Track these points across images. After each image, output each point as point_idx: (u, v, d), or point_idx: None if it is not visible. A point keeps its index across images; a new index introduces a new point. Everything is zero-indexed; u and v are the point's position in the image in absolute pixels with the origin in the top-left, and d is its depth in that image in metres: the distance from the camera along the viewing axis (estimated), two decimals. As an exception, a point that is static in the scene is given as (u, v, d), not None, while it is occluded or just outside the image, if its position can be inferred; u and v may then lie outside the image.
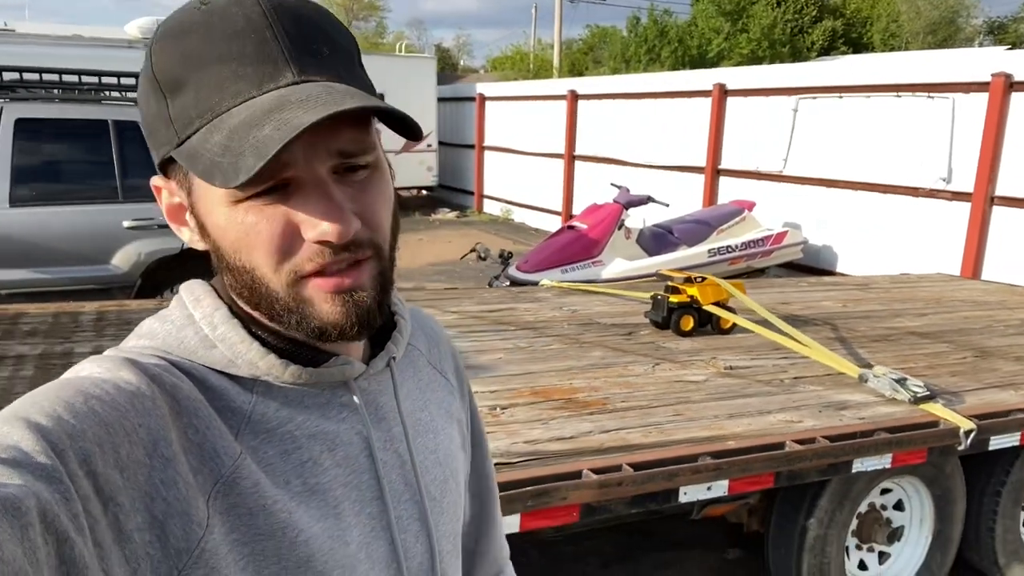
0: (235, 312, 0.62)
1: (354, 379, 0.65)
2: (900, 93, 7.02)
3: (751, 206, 7.46)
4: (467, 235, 11.68)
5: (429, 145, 14.26)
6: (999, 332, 3.83)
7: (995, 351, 3.45)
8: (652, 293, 3.67)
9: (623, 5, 34.92)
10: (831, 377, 2.91)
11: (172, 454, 0.52)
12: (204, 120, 0.55)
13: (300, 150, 0.54)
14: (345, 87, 0.56)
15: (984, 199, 6.32)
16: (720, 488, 2.13)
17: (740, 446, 2.17)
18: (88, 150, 4.59)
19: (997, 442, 2.60)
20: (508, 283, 6.05)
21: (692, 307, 3.52)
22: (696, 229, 7.01)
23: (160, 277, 4.60)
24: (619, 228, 6.51)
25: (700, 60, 19.09)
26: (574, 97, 11.65)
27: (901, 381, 2.68)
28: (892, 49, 21.79)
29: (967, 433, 2.46)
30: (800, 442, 2.23)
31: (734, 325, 3.56)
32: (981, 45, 23.18)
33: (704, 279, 3.64)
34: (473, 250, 7.10)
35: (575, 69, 24.34)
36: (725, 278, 3.92)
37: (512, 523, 1.89)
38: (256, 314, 0.61)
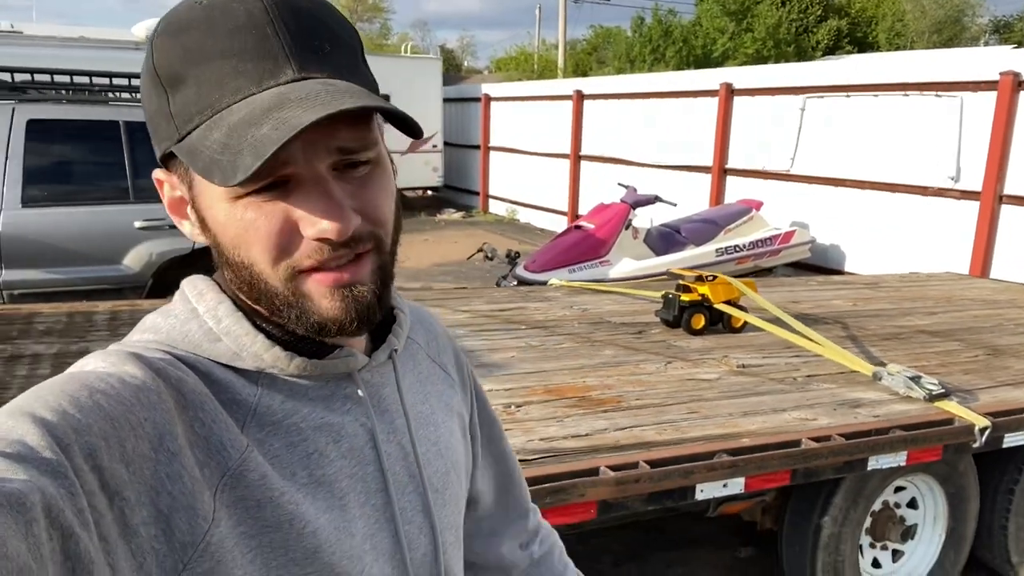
0: (239, 305, 0.62)
1: (357, 371, 0.65)
2: (908, 92, 7.01)
3: (759, 205, 7.46)
4: (473, 235, 11.69)
5: (435, 146, 14.27)
6: (1010, 330, 3.82)
7: (1007, 349, 3.45)
8: (663, 292, 3.67)
9: (627, 5, 34.95)
10: (844, 375, 2.91)
11: (178, 448, 0.52)
12: (204, 116, 0.55)
13: (299, 148, 0.54)
14: (346, 84, 0.56)
15: (993, 198, 6.31)
16: (736, 485, 2.13)
17: (756, 443, 2.17)
18: (99, 151, 4.61)
19: (1011, 439, 2.60)
20: (515, 283, 6.06)
21: (703, 305, 3.52)
22: (704, 228, 7.01)
23: (171, 277, 4.61)
24: (626, 228, 6.52)
25: (705, 60, 19.06)
26: (580, 97, 11.65)
27: (915, 379, 2.68)
28: (897, 48, 21.74)
29: (982, 431, 2.46)
30: (816, 439, 2.23)
31: (745, 323, 3.56)
32: (987, 44, 23.11)
33: (715, 278, 3.64)
34: (480, 250, 7.12)
35: (579, 69, 24.33)
36: (734, 277, 3.92)
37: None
38: (258, 308, 0.62)
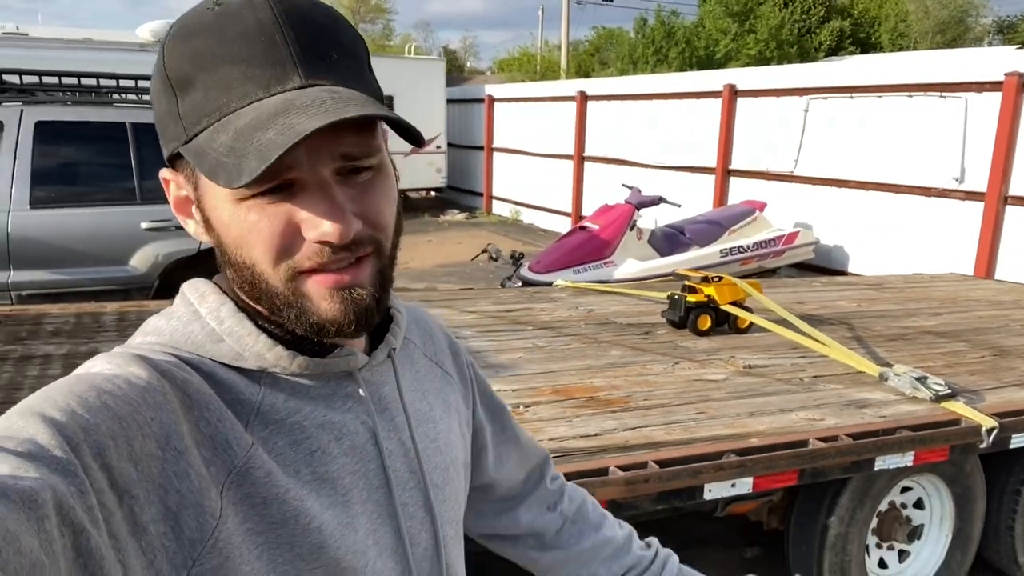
0: (240, 307, 0.63)
1: (357, 370, 0.67)
2: (912, 93, 7.01)
3: (762, 206, 7.46)
4: (476, 236, 11.70)
5: (438, 147, 14.29)
6: (1016, 331, 3.83)
7: (1013, 350, 3.45)
8: (669, 293, 3.68)
9: (630, 7, 34.94)
10: (850, 376, 2.92)
11: (184, 447, 0.53)
12: (212, 119, 0.56)
13: (304, 153, 0.55)
14: (350, 92, 0.57)
15: (997, 199, 6.31)
16: (744, 485, 2.14)
17: (764, 443, 2.18)
18: (106, 152, 4.63)
19: (1018, 440, 2.60)
20: (520, 284, 6.07)
21: (709, 306, 3.53)
22: (708, 229, 7.02)
23: (177, 278, 4.53)
24: (631, 229, 6.53)
25: (707, 61, 19.07)
26: (583, 98, 11.66)
27: (922, 379, 2.68)
28: (900, 49, 21.71)
29: (989, 431, 2.47)
30: (823, 440, 2.24)
31: (751, 324, 3.57)
32: (990, 44, 23.07)
33: (721, 279, 3.65)
34: (484, 251, 7.13)
35: (581, 70, 24.35)
36: (738, 278, 3.92)
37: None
38: (259, 308, 0.63)
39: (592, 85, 12.10)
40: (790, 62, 18.34)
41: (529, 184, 13.27)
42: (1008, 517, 2.91)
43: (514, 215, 13.75)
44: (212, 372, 0.59)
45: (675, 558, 0.98)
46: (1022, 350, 3.45)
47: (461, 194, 15.61)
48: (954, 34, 23.79)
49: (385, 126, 0.61)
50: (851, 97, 7.57)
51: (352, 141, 0.57)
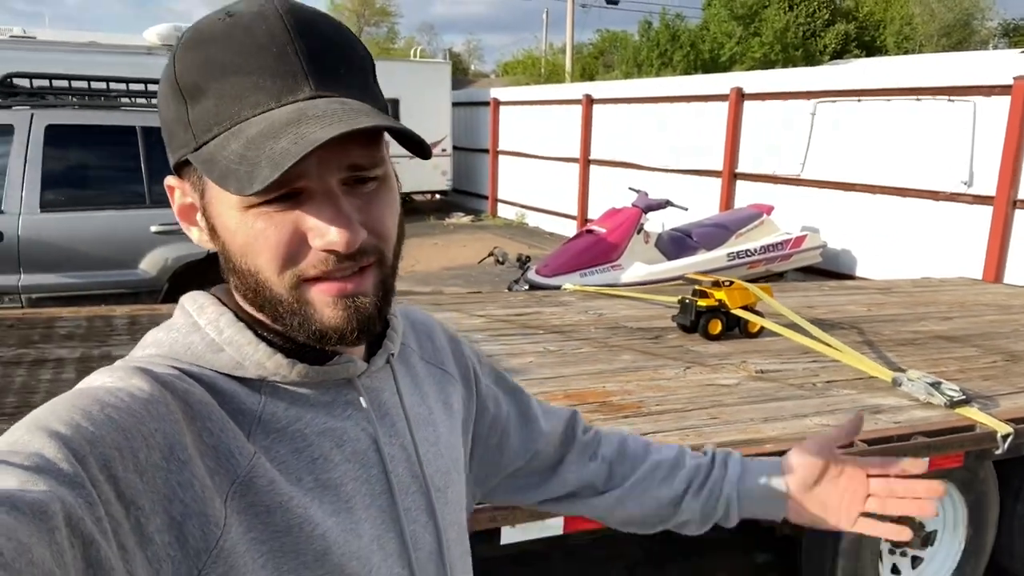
0: (239, 316, 0.63)
1: (357, 377, 0.67)
2: (920, 96, 7.00)
3: (769, 210, 7.45)
4: (482, 239, 11.71)
5: (444, 150, 14.32)
6: (1027, 336, 3.81)
7: (1025, 355, 3.43)
8: (680, 297, 3.68)
9: (634, 9, 34.97)
10: (863, 381, 2.91)
11: (188, 457, 0.53)
12: (223, 127, 0.57)
13: (314, 163, 0.56)
14: (360, 104, 0.58)
15: (1007, 202, 6.29)
16: (759, 491, 2.12)
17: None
18: (116, 156, 4.65)
19: (1033, 446, 2.59)
20: (527, 287, 6.07)
21: (720, 311, 3.52)
22: (715, 233, 7.01)
23: (187, 282, 4.64)
24: (638, 232, 6.52)
25: (712, 64, 19.07)
26: (589, 101, 11.67)
27: (935, 384, 2.67)
28: (906, 52, 21.68)
29: (1004, 437, 2.45)
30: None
31: (762, 329, 3.56)
32: (996, 48, 23.03)
33: (732, 283, 3.64)
34: (491, 254, 7.12)
35: (586, 73, 24.35)
36: (746, 282, 3.92)
37: (556, 524, 1.90)
38: (261, 316, 0.63)
39: (598, 88, 12.11)
40: (795, 65, 18.32)
41: (534, 187, 13.28)
42: (1021, 524, 2.90)
43: (519, 218, 13.76)
44: (213, 382, 0.60)
45: (736, 455, 0.97)
46: (1034, 355, 3.43)
47: (466, 197, 15.63)
48: (960, 37, 23.74)
49: (388, 138, 0.62)
50: (859, 101, 7.56)
51: (360, 152, 0.58)
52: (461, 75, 27.59)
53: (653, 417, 2.45)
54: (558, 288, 5.18)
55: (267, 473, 0.58)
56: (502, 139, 14.38)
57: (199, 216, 0.63)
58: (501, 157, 14.43)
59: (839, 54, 21.29)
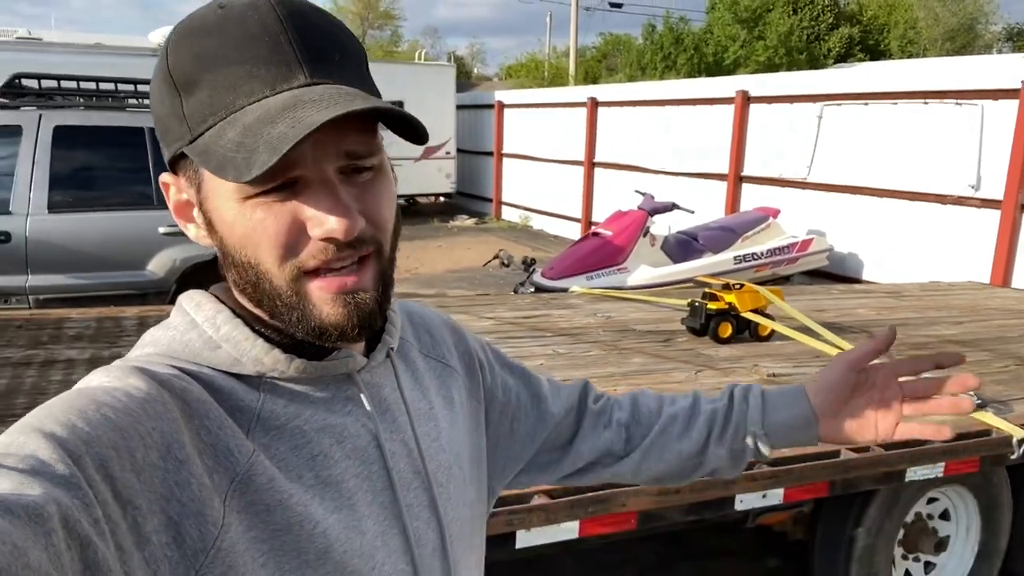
0: (237, 313, 0.63)
1: (356, 372, 0.66)
2: (927, 100, 6.99)
3: (776, 213, 7.44)
4: (486, 242, 11.71)
5: (448, 152, 14.33)
6: (1038, 341, 3.79)
7: (1037, 360, 3.41)
8: (689, 300, 3.66)
9: (638, 13, 35.00)
10: (876, 385, 2.89)
11: (185, 456, 0.52)
12: (218, 117, 0.56)
13: (309, 149, 0.55)
14: (355, 90, 0.58)
15: (1014, 206, 6.27)
16: (775, 496, 2.12)
17: (795, 454, 2.16)
18: (124, 157, 4.65)
19: (1049, 452, 2.57)
20: (533, 289, 6.06)
21: (730, 314, 3.51)
22: (721, 236, 7.00)
23: (195, 283, 4.62)
24: (644, 235, 6.52)
25: (716, 68, 19.07)
26: (594, 104, 11.67)
27: (950, 389, 2.65)
28: (910, 56, 21.67)
29: (1020, 442, 2.44)
30: (855, 450, 2.21)
31: (772, 332, 3.54)
32: (1000, 51, 23.01)
33: (742, 286, 3.63)
34: (496, 257, 7.11)
35: (589, 76, 24.38)
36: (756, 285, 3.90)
37: (571, 529, 1.89)
38: (259, 312, 0.62)
39: (603, 91, 12.11)
40: (799, 69, 18.30)
41: (539, 190, 13.28)
42: (1036, 529, 2.88)
43: (523, 221, 13.76)
44: (211, 380, 0.59)
45: (756, 388, 0.92)
46: (1047, 360, 3.41)
47: (470, 200, 15.63)
48: (964, 41, 23.74)
49: (383, 135, 0.62)
50: (865, 104, 7.55)
51: (356, 139, 0.58)
52: (464, 78, 27.62)
53: (666, 421, 2.43)
54: (564, 291, 5.17)
55: (266, 471, 0.57)
56: (506, 142, 14.39)
57: (196, 212, 0.62)
58: (505, 160, 14.43)
59: (843, 58, 21.29)
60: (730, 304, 3.51)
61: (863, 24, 23.72)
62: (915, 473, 2.33)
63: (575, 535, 1.89)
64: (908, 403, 0.86)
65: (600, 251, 6.38)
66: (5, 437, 0.47)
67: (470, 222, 14.21)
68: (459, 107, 14.84)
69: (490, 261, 7.49)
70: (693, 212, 7.09)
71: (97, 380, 0.55)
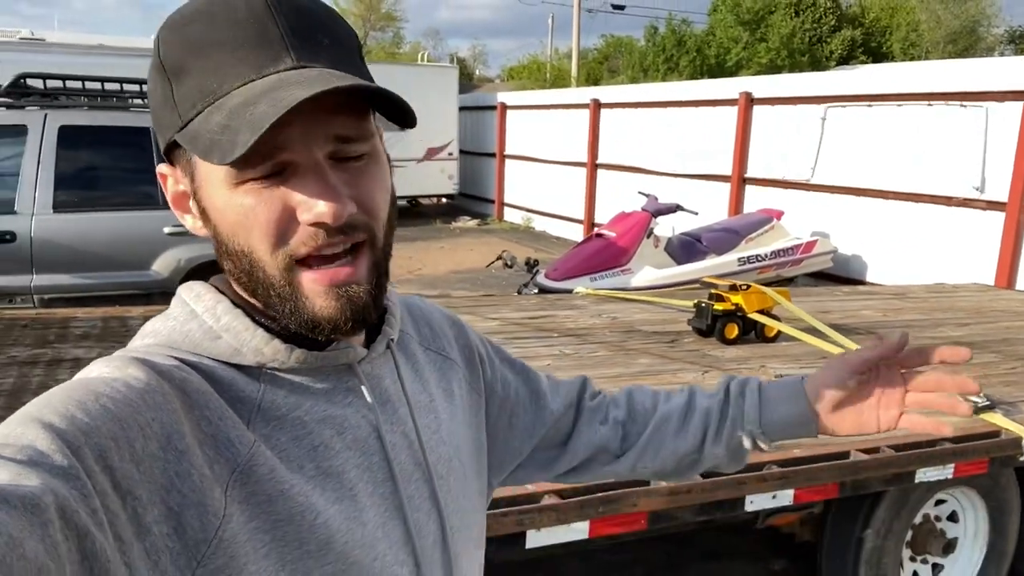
0: (236, 303, 0.63)
1: (357, 363, 0.66)
2: (932, 102, 6.98)
3: (780, 215, 7.43)
4: (488, 243, 11.71)
5: (450, 153, 14.34)
6: (1045, 342, 3.78)
7: (1044, 361, 3.40)
8: (696, 300, 3.66)
9: (640, 15, 35.03)
10: (884, 386, 2.88)
11: (186, 447, 0.52)
12: (206, 103, 0.56)
13: (297, 133, 0.55)
14: (341, 73, 0.57)
15: (1020, 208, 6.26)
16: (785, 497, 2.11)
17: (805, 455, 2.15)
18: (129, 157, 4.65)
19: (1058, 453, 2.56)
20: (536, 291, 6.05)
21: (736, 315, 3.50)
22: (725, 238, 6.99)
23: (199, 283, 4.62)
24: (648, 236, 6.51)
25: (718, 69, 19.08)
26: (597, 106, 11.67)
27: (959, 390, 2.65)
28: (912, 58, 21.68)
29: (1030, 444, 2.43)
30: (865, 451, 2.21)
31: (779, 333, 3.54)
32: (1002, 54, 23.01)
33: (749, 287, 3.62)
34: (499, 258, 7.11)
35: (591, 78, 24.40)
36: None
37: (582, 529, 1.89)
38: (255, 302, 0.62)
39: (606, 93, 12.11)
40: (801, 71, 18.30)
41: (541, 191, 13.27)
42: (1044, 532, 2.87)
43: (526, 222, 13.76)
44: (211, 370, 0.59)
45: (753, 384, 0.90)
46: (1054, 362, 3.40)
47: (473, 201, 15.63)
48: (966, 44, 23.74)
49: (381, 128, 0.62)
50: (869, 106, 7.54)
51: (345, 122, 0.57)
52: (466, 80, 27.63)
53: (675, 421, 2.43)
54: (569, 292, 5.16)
55: (267, 461, 0.57)
56: (509, 143, 14.39)
57: (191, 202, 0.62)
58: (508, 161, 14.43)
59: (845, 60, 21.30)
60: (737, 305, 3.51)
61: (865, 26, 23.73)
62: (925, 474, 2.33)
63: (585, 535, 1.88)
64: (911, 393, 0.84)
65: (604, 252, 6.37)
66: (4, 427, 0.47)
67: (472, 223, 14.21)
68: (462, 108, 14.84)
69: (493, 262, 7.48)
70: (697, 214, 7.08)
71: (97, 371, 0.55)
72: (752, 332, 3.55)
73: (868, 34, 23.63)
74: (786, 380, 0.89)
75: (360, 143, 0.59)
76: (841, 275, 7.60)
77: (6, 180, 4.38)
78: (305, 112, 0.53)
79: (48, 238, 4.35)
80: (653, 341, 3.51)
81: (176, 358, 0.58)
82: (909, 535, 2.69)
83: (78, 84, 4.87)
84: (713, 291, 3.62)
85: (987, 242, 6.50)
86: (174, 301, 0.65)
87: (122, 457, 0.48)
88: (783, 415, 0.87)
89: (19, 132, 4.38)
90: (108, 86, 4.91)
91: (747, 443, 0.88)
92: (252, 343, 0.60)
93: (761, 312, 3.55)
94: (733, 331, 3.49)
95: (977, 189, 6.62)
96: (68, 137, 4.46)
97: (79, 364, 2.71)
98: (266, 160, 0.55)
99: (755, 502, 2.07)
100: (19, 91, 4.59)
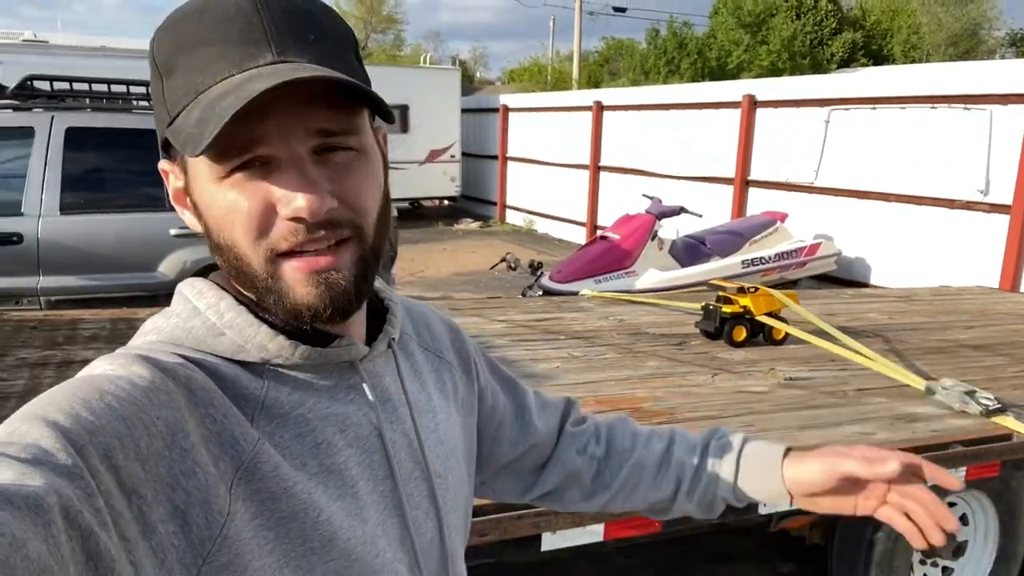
0: (239, 300, 0.62)
1: (359, 361, 0.66)
2: (935, 105, 6.98)
3: (783, 217, 7.44)
4: (491, 245, 11.71)
5: (452, 156, 14.34)
6: (1053, 345, 3.78)
7: (1053, 364, 3.40)
8: (703, 303, 3.66)
9: (641, 17, 35.09)
10: (895, 389, 2.88)
11: (190, 444, 0.52)
12: (189, 98, 0.57)
13: (275, 127, 0.56)
14: (317, 66, 0.56)
15: (1023, 211, 6.26)
16: (799, 500, 2.10)
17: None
18: (136, 159, 4.63)
19: (1069, 456, 2.56)
20: (540, 293, 6.05)
21: (744, 317, 3.50)
22: (728, 240, 6.99)
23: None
24: (652, 239, 6.51)
25: (720, 72, 19.08)
26: (599, 108, 11.68)
27: (970, 393, 2.65)
28: (913, 61, 21.69)
29: (1041, 446, 2.43)
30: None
31: (787, 336, 3.54)
32: (1003, 57, 23.03)
33: (757, 289, 3.62)
34: (503, 260, 7.10)
35: (591, 81, 24.41)
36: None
37: (597, 531, 1.88)
38: (253, 296, 0.62)
39: (608, 95, 12.11)
40: (802, 73, 18.31)
41: (543, 194, 13.27)
42: (1054, 535, 2.87)
43: (528, 224, 13.75)
44: (215, 367, 0.59)
45: (735, 444, 0.89)
46: (1063, 364, 3.40)
47: (475, 203, 15.63)
48: (967, 47, 23.74)
49: (378, 123, 0.62)
50: (873, 108, 7.55)
51: (326, 116, 0.57)
52: (467, 82, 27.64)
53: (689, 424, 2.43)
54: (573, 294, 5.16)
55: (272, 459, 0.57)
56: (511, 145, 14.39)
57: (188, 197, 0.62)
58: (510, 163, 14.43)
59: (846, 63, 21.30)
60: (745, 307, 3.51)
61: (866, 29, 23.73)
62: (937, 477, 2.32)
63: (600, 538, 1.88)
64: (893, 492, 0.81)
65: (608, 255, 6.37)
66: (7, 425, 0.47)
67: (475, 225, 14.21)
68: (464, 111, 14.85)
69: (497, 264, 7.47)
70: (701, 216, 7.09)
71: (101, 368, 0.55)
72: (760, 335, 3.55)
73: (869, 37, 23.63)
74: (768, 449, 0.88)
75: (345, 137, 0.59)
76: (845, 278, 7.60)
77: (13, 182, 4.38)
78: (281, 105, 0.54)
79: (55, 240, 4.34)
80: (661, 343, 3.51)
81: (180, 355, 0.58)
82: (919, 538, 2.69)
83: (85, 86, 4.86)
84: (721, 294, 3.62)
85: (991, 245, 6.50)
86: (176, 298, 0.64)
87: (127, 456, 0.48)
88: (755, 488, 0.89)
89: (26, 134, 4.38)
90: (114, 88, 4.91)
91: (719, 505, 0.91)
92: (256, 339, 0.60)
93: (769, 315, 3.55)
94: (741, 334, 3.49)
95: (981, 192, 6.62)
96: (75, 139, 4.45)
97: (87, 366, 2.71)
98: (243, 153, 0.56)
99: (768, 505, 2.07)
100: (26, 93, 4.59)
